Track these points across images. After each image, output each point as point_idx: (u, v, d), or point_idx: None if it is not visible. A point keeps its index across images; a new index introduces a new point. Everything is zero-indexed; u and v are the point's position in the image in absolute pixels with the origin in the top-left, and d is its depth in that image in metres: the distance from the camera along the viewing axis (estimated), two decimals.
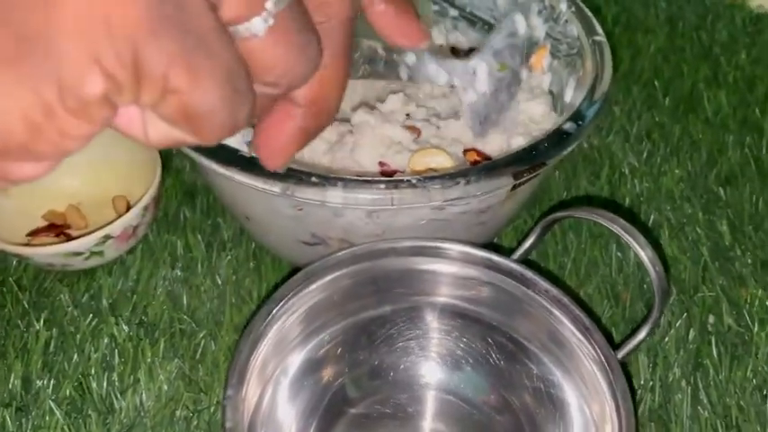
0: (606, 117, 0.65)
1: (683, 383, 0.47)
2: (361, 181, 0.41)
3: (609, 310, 0.52)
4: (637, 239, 0.40)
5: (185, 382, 0.48)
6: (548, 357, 0.44)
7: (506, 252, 0.46)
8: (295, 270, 0.44)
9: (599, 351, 0.40)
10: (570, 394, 0.43)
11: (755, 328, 0.50)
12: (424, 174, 0.43)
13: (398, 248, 0.44)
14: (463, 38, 0.58)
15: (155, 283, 0.53)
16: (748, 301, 0.52)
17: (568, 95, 0.51)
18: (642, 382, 0.48)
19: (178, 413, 0.47)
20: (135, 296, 0.52)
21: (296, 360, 0.45)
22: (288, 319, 0.43)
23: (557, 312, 0.42)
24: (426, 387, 0.47)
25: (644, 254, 0.40)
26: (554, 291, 0.43)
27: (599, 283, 0.53)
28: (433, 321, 0.47)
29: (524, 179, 0.43)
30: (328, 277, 0.44)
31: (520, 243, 0.47)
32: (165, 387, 0.48)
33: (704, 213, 0.57)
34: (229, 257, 0.55)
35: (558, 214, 0.45)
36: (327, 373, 0.46)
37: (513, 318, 0.45)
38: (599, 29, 0.51)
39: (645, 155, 0.62)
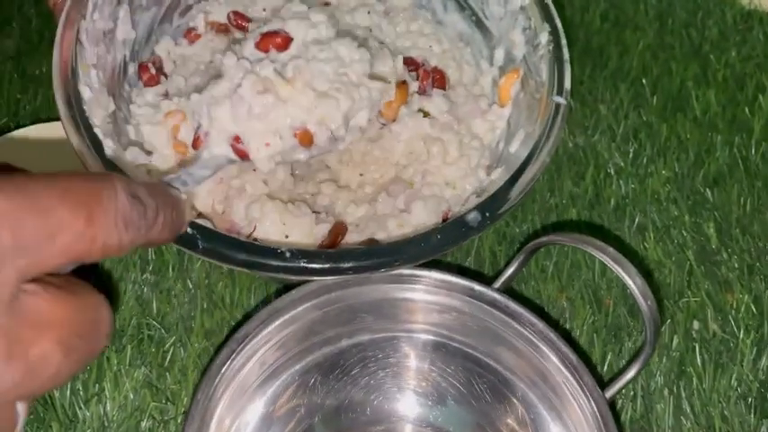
0: (592, 116, 0.63)
1: (666, 392, 0.46)
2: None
3: (591, 317, 0.50)
4: (626, 269, 0.38)
5: (152, 391, 0.47)
6: (534, 394, 0.42)
7: (487, 278, 0.44)
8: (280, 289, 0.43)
9: (588, 392, 0.39)
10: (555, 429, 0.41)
11: (741, 335, 0.49)
12: (307, 247, 0.41)
13: (374, 276, 0.42)
14: (449, 18, 0.56)
15: (124, 287, 0.52)
16: (734, 306, 0.51)
17: (514, 146, 0.48)
18: (624, 391, 0.46)
19: (144, 424, 0.45)
20: None
21: (256, 407, 0.43)
22: (247, 363, 0.41)
23: (543, 347, 0.41)
24: (404, 420, 0.45)
25: (634, 285, 0.38)
26: (540, 325, 0.41)
27: (581, 288, 0.52)
28: (410, 352, 0.46)
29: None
30: (295, 311, 0.42)
31: (502, 270, 0.45)
32: (131, 396, 0.46)
33: (691, 216, 0.56)
34: (202, 261, 0.53)
35: (543, 239, 0.43)
36: (293, 417, 0.44)
37: (498, 350, 0.43)
38: (567, 84, 0.46)
39: (631, 155, 0.60)
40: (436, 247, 0.40)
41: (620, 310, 0.51)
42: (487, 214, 0.41)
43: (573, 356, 0.39)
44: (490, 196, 0.42)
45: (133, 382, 0.47)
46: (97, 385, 0.47)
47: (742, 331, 0.49)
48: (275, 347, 0.42)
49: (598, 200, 0.58)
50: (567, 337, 0.48)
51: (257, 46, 0.44)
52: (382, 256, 0.40)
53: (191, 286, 0.52)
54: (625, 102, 0.65)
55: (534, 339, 0.40)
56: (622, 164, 0.60)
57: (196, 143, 0.43)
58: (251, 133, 0.41)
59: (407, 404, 0.46)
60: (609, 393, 0.39)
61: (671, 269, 0.53)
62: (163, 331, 0.50)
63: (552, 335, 0.40)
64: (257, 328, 0.40)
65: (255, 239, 0.44)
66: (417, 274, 0.42)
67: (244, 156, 0.42)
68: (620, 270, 0.38)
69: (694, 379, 0.47)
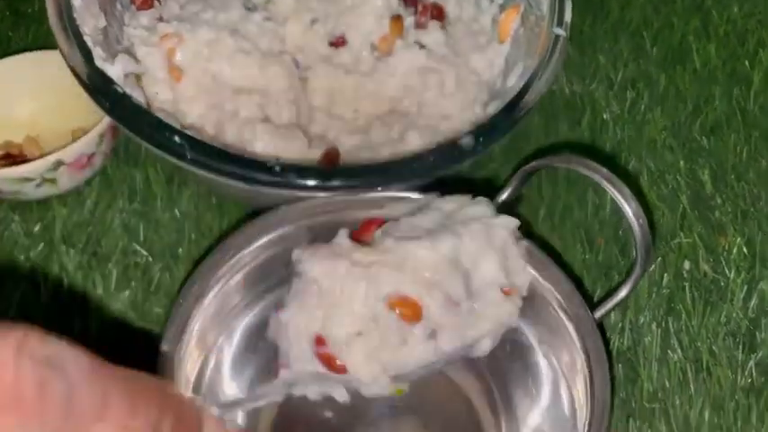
0: (590, 65, 0.64)
1: (654, 326, 0.47)
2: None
3: (581, 254, 0.51)
4: (620, 190, 0.38)
5: (138, 313, 0.47)
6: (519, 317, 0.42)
7: None
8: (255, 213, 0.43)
9: (575, 312, 0.38)
10: (538, 349, 0.41)
11: (732, 275, 0.49)
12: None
13: (363, 200, 0.42)
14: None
15: (111, 216, 0.52)
16: (726, 248, 0.51)
17: (512, 79, 0.48)
18: (611, 324, 0.47)
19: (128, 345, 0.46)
20: (90, 227, 0.52)
21: (241, 325, 0.43)
22: (232, 278, 0.41)
23: (531, 269, 0.41)
24: None
25: (627, 206, 0.38)
26: (530, 246, 0.41)
27: (573, 227, 0.53)
28: None
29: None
30: (282, 230, 0.42)
31: (496, 194, 0.45)
32: (116, 318, 0.47)
33: (686, 162, 0.57)
34: (190, 192, 0.54)
35: (537, 163, 0.43)
36: None
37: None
38: (568, 16, 0.47)
39: (628, 103, 0.61)
40: (429, 169, 0.41)
41: (611, 250, 0.51)
42: (482, 139, 0.42)
43: (561, 275, 0.39)
44: (487, 121, 0.42)
45: (118, 304, 0.47)
46: (81, 307, 0.47)
47: (733, 271, 0.49)
48: (257, 269, 0.42)
49: (594, 145, 0.58)
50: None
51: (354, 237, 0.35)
52: (374, 174, 0.41)
53: (179, 216, 0.53)
54: (625, 52, 0.65)
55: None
56: (619, 111, 0.60)
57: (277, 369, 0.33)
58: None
59: None
60: (598, 314, 0.39)
61: (664, 212, 0.53)
62: (150, 258, 0.50)
63: (542, 255, 0.40)
64: (243, 243, 0.40)
65: None
66: (408, 198, 0.42)
67: (338, 369, 0.31)
68: (613, 190, 0.38)
69: (683, 315, 0.47)
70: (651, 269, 0.50)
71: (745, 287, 0.49)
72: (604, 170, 0.38)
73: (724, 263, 0.50)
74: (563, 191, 0.54)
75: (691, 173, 0.56)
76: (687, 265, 0.50)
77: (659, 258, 0.50)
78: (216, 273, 0.40)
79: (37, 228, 0.51)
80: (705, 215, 0.53)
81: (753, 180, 0.55)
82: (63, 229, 0.51)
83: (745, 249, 0.51)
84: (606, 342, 0.44)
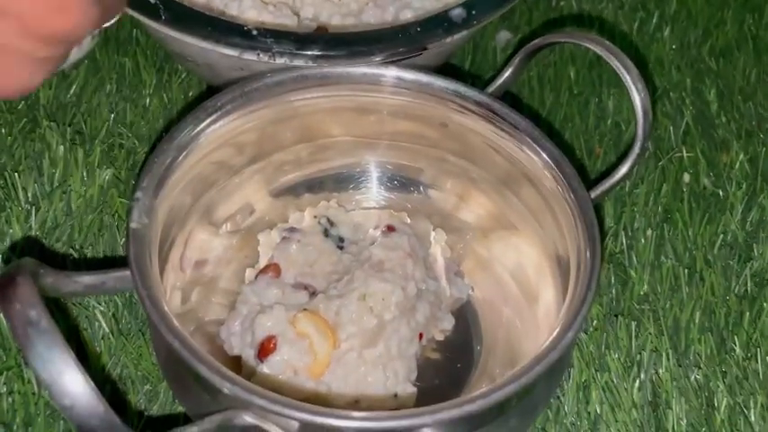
0: None
1: (649, 232, 0.46)
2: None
3: (579, 162, 0.50)
4: (624, 63, 0.37)
5: (119, 190, 0.47)
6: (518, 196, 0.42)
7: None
8: None
9: (571, 190, 0.37)
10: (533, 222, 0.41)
11: (732, 189, 0.49)
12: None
13: (353, 74, 0.41)
14: None
15: (98, 100, 0.52)
16: (728, 164, 0.51)
17: None
18: (605, 228, 0.46)
19: (107, 219, 0.45)
20: (74, 109, 0.51)
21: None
22: (219, 145, 0.40)
23: (528, 149, 0.40)
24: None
25: (630, 78, 0.37)
26: (524, 123, 0.40)
27: (572, 136, 0.52)
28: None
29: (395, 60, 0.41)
30: (268, 99, 0.40)
31: (496, 75, 0.44)
32: (97, 193, 0.46)
33: (693, 82, 0.56)
34: (181, 80, 0.53)
35: (541, 40, 0.42)
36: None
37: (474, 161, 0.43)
38: None
39: (637, 23, 0.60)
40: (414, 39, 0.40)
41: (610, 160, 0.51)
42: (474, 12, 0.41)
43: (556, 152, 0.38)
44: None
45: (100, 180, 0.47)
46: (63, 180, 0.46)
47: (734, 186, 0.49)
48: (237, 146, 0.41)
49: (599, 62, 0.57)
50: None
51: None
52: (355, 44, 0.40)
53: (167, 103, 0.52)
54: None
55: (519, 140, 0.39)
56: (627, 30, 0.60)
57: None
58: None
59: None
60: (595, 193, 0.39)
61: (666, 127, 0.53)
62: (135, 141, 0.50)
63: (538, 132, 0.39)
64: (236, 101, 0.39)
65: None
66: (401, 78, 0.41)
67: None
68: (615, 62, 0.37)
69: (680, 224, 0.47)
70: (650, 177, 0.49)
71: (746, 198, 0.48)
72: (608, 43, 0.38)
73: (725, 177, 0.50)
74: (565, 100, 0.54)
75: (696, 92, 0.55)
76: (687, 177, 0.50)
77: (658, 168, 0.50)
78: (196, 128, 0.39)
79: (21, 106, 0.51)
80: (708, 132, 0.53)
81: (760, 101, 0.55)
82: (48, 108, 0.51)
83: (747, 166, 0.50)
84: (601, 224, 0.43)
